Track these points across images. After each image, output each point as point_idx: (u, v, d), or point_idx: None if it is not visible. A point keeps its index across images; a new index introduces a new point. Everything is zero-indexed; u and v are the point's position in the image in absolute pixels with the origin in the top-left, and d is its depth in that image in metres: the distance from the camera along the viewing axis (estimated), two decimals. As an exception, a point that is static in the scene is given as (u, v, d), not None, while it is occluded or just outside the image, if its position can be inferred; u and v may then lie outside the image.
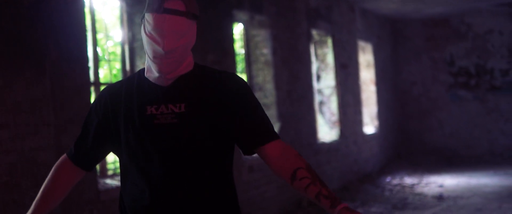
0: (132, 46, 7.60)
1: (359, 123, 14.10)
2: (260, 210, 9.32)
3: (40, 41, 5.76)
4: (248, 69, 10.13)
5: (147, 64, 2.96)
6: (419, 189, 12.75)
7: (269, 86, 10.08)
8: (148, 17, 2.85)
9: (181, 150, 2.91)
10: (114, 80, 7.52)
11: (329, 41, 12.86)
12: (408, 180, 13.98)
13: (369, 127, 15.27)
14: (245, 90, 3.02)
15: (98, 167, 6.89)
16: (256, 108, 3.02)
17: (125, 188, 3.06)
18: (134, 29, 7.60)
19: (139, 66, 7.58)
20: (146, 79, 2.98)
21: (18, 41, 5.53)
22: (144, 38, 2.90)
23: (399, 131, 17.41)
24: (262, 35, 10.17)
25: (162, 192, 2.92)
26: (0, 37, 5.33)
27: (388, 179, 14.07)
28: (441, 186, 13.00)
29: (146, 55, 2.92)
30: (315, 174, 2.89)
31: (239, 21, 9.65)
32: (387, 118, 16.35)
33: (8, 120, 5.38)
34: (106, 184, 6.70)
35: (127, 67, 7.59)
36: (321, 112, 12.85)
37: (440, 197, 11.58)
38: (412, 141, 17.54)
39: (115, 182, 6.83)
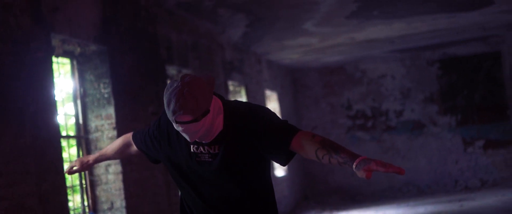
0: (84, 100, 8.23)
1: (270, 166, 14.94)
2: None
3: (20, 96, 6.37)
4: (176, 119, 10.84)
5: None
6: (332, 225, 13.69)
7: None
8: (169, 119, 3.50)
9: (219, 181, 3.71)
10: (70, 132, 8.10)
11: (243, 91, 13.75)
12: (320, 218, 14.92)
13: (279, 170, 16.16)
14: (257, 118, 3.60)
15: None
16: (271, 126, 3.55)
17: (183, 197, 3.91)
18: (85, 85, 8.24)
19: (91, 119, 8.22)
20: None
21: (2, 96, 6.12)
22: None
23: (304, 174, 18.40)
24: (188, 87, 10.93)
25: (210, 208, 3.76)
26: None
27: (302, 218, 14.97)
28: (352, 220, 13.99)
29: None
30: (329, 148, 3.32)
31: (169, 75, 10.39)
32: (293, 162, 17.28)
33: (1, 169, 5.95)
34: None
35: (80, 120, 8.20)
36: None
37: (355, 230, 12.53)
38: (317, 182, 18.55)
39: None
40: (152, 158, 4.05)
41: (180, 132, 3.52)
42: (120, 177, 8.11)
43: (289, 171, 16.59)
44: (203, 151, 3.66)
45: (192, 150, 3.68)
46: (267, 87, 15.69)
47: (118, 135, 8.19)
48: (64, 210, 6.91)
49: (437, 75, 18.01)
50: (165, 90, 3.49)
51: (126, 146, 4.21)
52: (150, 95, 9.19)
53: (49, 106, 6.88)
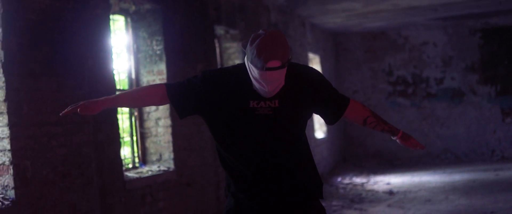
0: (137, 56, 8.62)
1: (311, 128, 15.30)
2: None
3: (80, 51, 6.77)
4: (222, 78, 11.21)
5: (253, 81, 3.88)
6: (369, 187, 14.01)
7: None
8: (253, 68, 3.77)
9: (275, 133, 3.97)
10: (123, 87, 8.49)
11: (287, 53, 14.04)
12: (357, 180, 15.24)
13: (319, 132, 16.49)
14: (320, 78, 4.05)
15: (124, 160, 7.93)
16: (331, 89, 4.06)
17: (228, 158, 4.07)
18: (138, 42, 8.61)
19: (143, 74, 8.61)
20: (250, 80, 3.91)
21: (63, 49, 6.52)
22: (251, 75, 3.83)
23: (344, 137, 18.72)
24: (234, 48, 11.27)
25: (268, 162, 4.00)
26: (51, 46, 6.32)
27: (339, 179, 15.31)
28: (388, 183, 14.29)
29: (251, 75, 3.85)
30: (378, 117, 4.15)
31: (217, 35, 10.73)
32: (334, 125, 17.57)
33: (61, 118, 6.36)
34: (128, 176, 7.70)
35: (133, 75, 8.59)
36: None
37: (390, 192, 12.84)
38: (356, 145, 18.86)
39: (135, 175, 7.85)
40: (181, 111, 4.06)
41: (261, 82, 3.77)
42: (169, 130, 8.52)
43: (329, 133, 16.92)
44: (264, 106, 3.90)
45: (251, 105, 3.91)
46: (310, 50, 15.96)
47: (168, 91, 8.57)
48: (117, 159, 7.33)
49: (478, 45, 18.11)
50: (251, 42, 3.75)
51: (153, 95, 4.08)
52: (199, 53, 9.53)
53: (106, 61, 7.27)
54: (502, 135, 18.02)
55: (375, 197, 12.48)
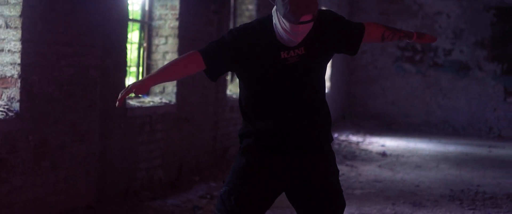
0: (153, -10, 8.80)
1: (315, 82, 15.46)
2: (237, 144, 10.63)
3: (98, -22, 6.96)
4: (233, 21, 11.40)
5: (278, 32, 4.03)
6: (364, 146, 14.27)
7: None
8: (285, 22, 3.92)
9: (302, 79, 4.15)
10: (136, 18, 8.67)
11: (301, 5, 14.16)
12: (353, 138, 15.51)
13: (322, 87, 16.67)
14: (334, 16, 4.23)
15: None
16: (345, 23, 4.22)
17: (254, 109, 4.21)
18: (156, -25, 8.78)
19: (156, 7, 8.78)
20: (274, 33, 4.08)
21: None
22: (279, 26, 3.98)
23: (345, 95, 18.92)
24: (249, -8, 11.44)
25: (294, 108, 4.16)
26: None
27: (335, 135, 15.55)
28: (383, 145, 14.55)
29: (279, 27, 3.99)
30: (392, 28, 4.34)
31: (233, -22, 10.89)
32: (337, 81, 17.80)
33: (72, 40, 6.57)
34: (130, 104, 7.93)
35: (146, 7, 8.76)
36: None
37: (383, 154, 13.11)
38: (357, 105, 19.07)
39: (136, 103, 8.08)
40: (213, 73, 4.15)
41: (291, 33, 3.94)
42: (175, 65, 8.70)
43: (331, 89, 17.11)
44: (293, 55, 4.08)
45: (282, 56, 4.08)
46: (324, 5, 16.07)
47: (180, 26, 8.77)
48: (122, 86, 7.55)
49: (491, 22, 18.15)
50: None
51: (191, 63, 4.09)
52: (213, -6, 9.71)
53: (122, -11, 7.45)
54: (502, 113, 18.19)
55: (367, 157, 12.74)
